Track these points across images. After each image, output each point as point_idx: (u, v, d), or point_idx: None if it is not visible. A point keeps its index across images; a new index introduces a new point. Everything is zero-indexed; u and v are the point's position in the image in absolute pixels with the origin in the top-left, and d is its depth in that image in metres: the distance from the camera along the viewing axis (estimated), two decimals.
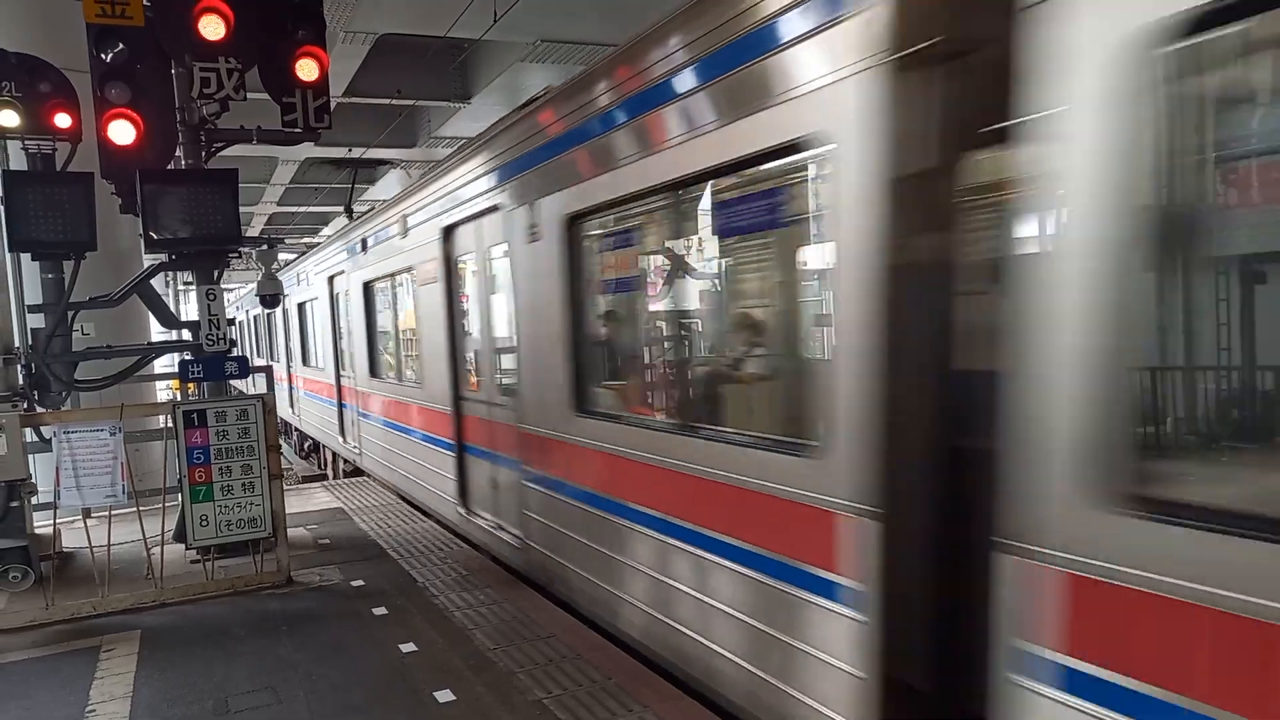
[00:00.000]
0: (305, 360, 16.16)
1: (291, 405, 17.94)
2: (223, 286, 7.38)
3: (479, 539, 7.58)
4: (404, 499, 9.97)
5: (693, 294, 4.80)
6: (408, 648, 5.33)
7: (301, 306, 15.94)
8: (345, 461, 13.49)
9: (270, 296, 11.84)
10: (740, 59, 3.73)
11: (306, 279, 14.98)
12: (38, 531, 6.80)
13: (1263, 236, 2.51)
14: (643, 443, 4.77)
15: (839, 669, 3.41)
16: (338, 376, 12.92)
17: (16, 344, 7.10)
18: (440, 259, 7.80)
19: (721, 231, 4.49)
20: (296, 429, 18.45)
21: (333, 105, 7.39)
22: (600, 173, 4.93)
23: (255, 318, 21.36)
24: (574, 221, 5.35)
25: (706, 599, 4.24)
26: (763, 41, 3.59)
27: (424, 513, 9.19)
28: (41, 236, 6.53)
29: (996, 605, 2.73)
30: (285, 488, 7.04)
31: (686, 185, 4.37)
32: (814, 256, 3.77)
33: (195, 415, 6.41)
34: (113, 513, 6.25)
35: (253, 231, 32.58)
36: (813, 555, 3.53)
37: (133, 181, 6.56)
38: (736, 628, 4.03)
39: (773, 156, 3.69)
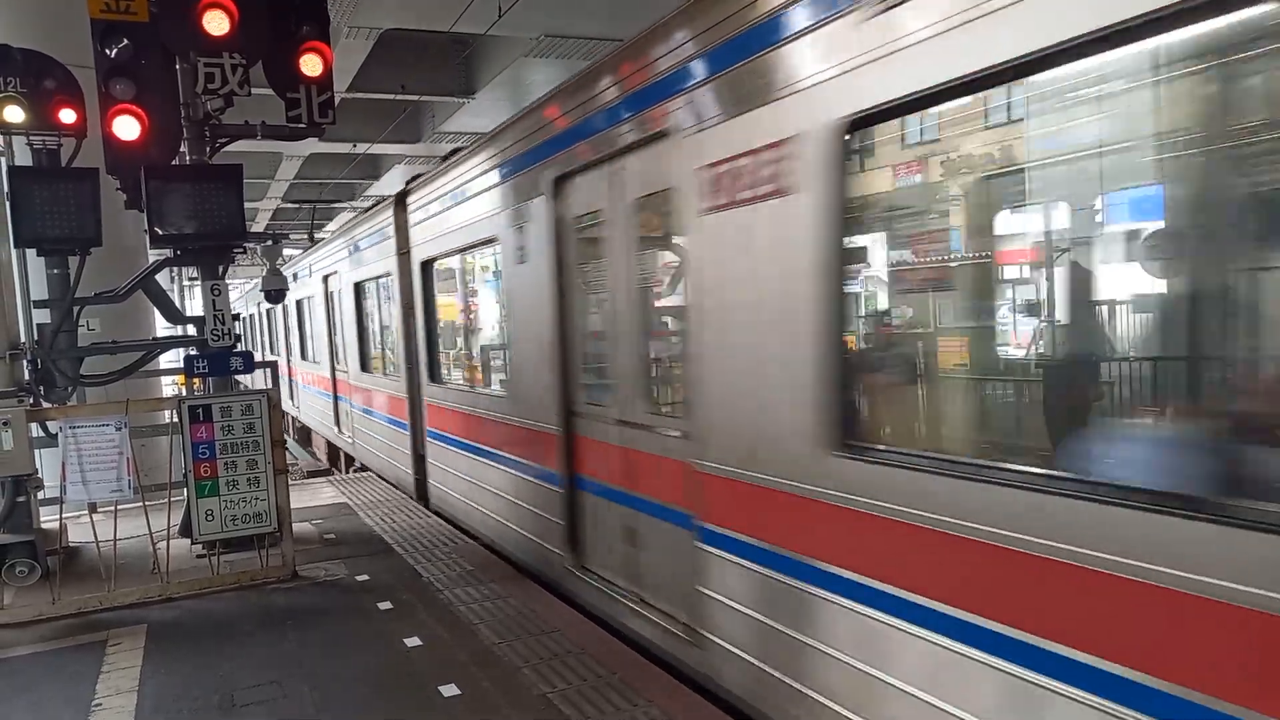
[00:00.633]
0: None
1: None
2: (227, 282, 7.39)
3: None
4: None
5: None
6: (413, 642, 5.34)
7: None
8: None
9: (275, 292, 11.86)
10: None
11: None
12: (44, 526, 6.82)
13: None
14: None
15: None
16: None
17: (22, 339, 7.12)
18: None
19: None
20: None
21: (337, 100, 7.38)
22: None
23: (267, 311, 21.51)
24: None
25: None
26: None
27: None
28: (47, 232, 6.55)
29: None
30: (290, 483, 7.05)
31: None
32: None
33: (200, 410, 6.42)
34: (119, 507, 6.28)
35: (258, 227, 32.65)
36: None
37: (137, 177, 6.57)
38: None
39: None
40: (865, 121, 3.19)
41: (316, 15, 7.04)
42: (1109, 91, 3.01)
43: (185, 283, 24.50)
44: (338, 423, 14.08)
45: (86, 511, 6.43)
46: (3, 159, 7.43)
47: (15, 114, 6.70)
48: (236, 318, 7.37)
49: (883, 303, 4.33)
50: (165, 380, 11.85)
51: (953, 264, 4.17)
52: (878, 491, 3.20)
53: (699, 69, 4.09)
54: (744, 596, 4.03)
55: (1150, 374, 3.52)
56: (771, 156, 3.59)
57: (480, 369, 8.61)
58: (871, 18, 3.05)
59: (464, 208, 7.57)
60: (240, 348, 7.25)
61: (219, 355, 7.03)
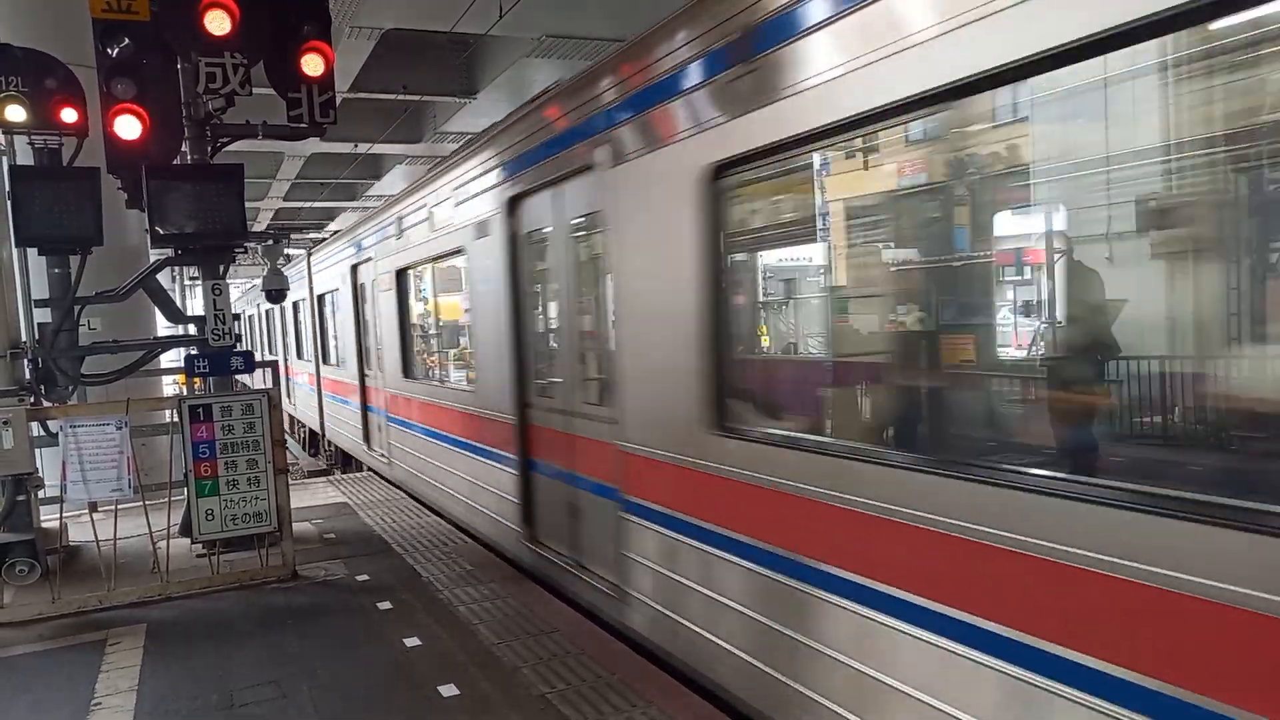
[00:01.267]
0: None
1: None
2: (228, 281, 7.39)
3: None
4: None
5: None
6: (412, 642, 5.34)
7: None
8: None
9: (275, 291, 11.87)
10: None
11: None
12: (44, 525, 6.82)
13: None
14: None
15: None
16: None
17: (23, 339, 7.13)
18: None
19: None
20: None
21: (338, 100, 7.38)
22: None
23: (269, 311, 21.54)
24: None
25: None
26: None
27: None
28: (48, 231, 6.56)
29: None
30: (290, 482, 7.05)
31: None
32: None
33: (201, 410, 6.43)
34: (119, 507, 6.28)
35: (259, 227, 32.67)
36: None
37: (139, 176, 6.56)
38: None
39: None
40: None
41: (318, 15, 7.02)
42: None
43: (186, 282, 24.52)
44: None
45: (87, 510, 6.42)
46: (4, 158, 7.43)
47: (17, 113, 6.70)
48: (237, 317, 7.38)
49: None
50: (166, 380, 11.85)
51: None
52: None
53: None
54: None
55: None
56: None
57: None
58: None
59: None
60: (240, 347, 7.26)
61: (219, 355, 7.04)
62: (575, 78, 5.70)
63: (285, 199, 29.83)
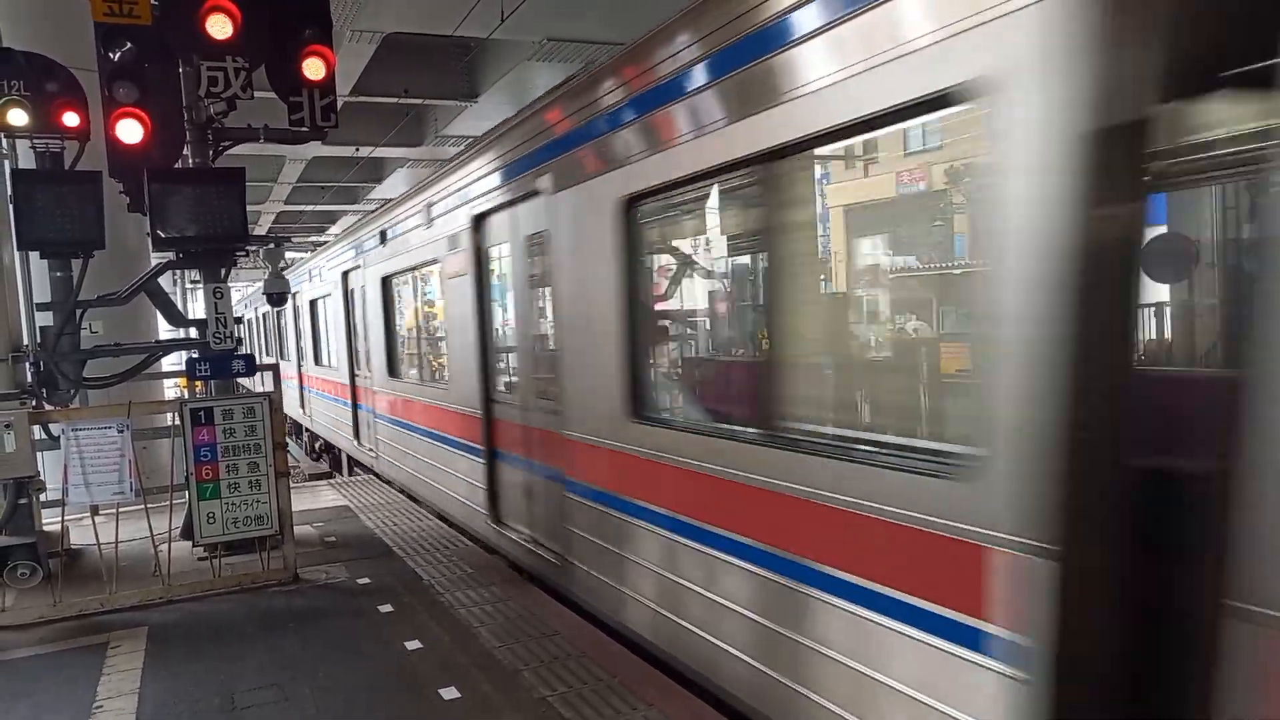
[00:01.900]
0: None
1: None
2: (230, 284, 7.40)
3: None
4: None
5: None
6: (413, 645, 5.34)
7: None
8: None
9: (277, 295, 11.87)
10: None
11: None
12: (46, 528, 6.83)
13: None
14: None
15: None
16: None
17: (25, 342, 7.14)
18: None
19: None
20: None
21: (339, 104, 7.40)
22: None
23: (272, 314, 21.33)
24: None
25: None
26: None
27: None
28: (50, 235, 6.57)
29: None
30: (292, 485, 7.06)
31: None
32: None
33: (202, 413, 6.44)
34: (120, 510, 6.28)
35: (260, 230, 32.72)
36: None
37: (140, 180, 6.58)
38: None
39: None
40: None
41: (319, 19, 7.05)
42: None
43: (188, 285, 24.56)
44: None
45: (88, 514, 6.43)
46: (6, 162, 7.45)
47: (18, 117, 6.72)
48: (239, 321, 7.38)
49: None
50: (167, 383, 11.86)
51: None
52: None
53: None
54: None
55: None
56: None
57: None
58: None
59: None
60: (242, 350, 7.27)
61: (221, 358, 7.05)
62: (525, 110, 6.55)
63: (287, 202, 29.88)
